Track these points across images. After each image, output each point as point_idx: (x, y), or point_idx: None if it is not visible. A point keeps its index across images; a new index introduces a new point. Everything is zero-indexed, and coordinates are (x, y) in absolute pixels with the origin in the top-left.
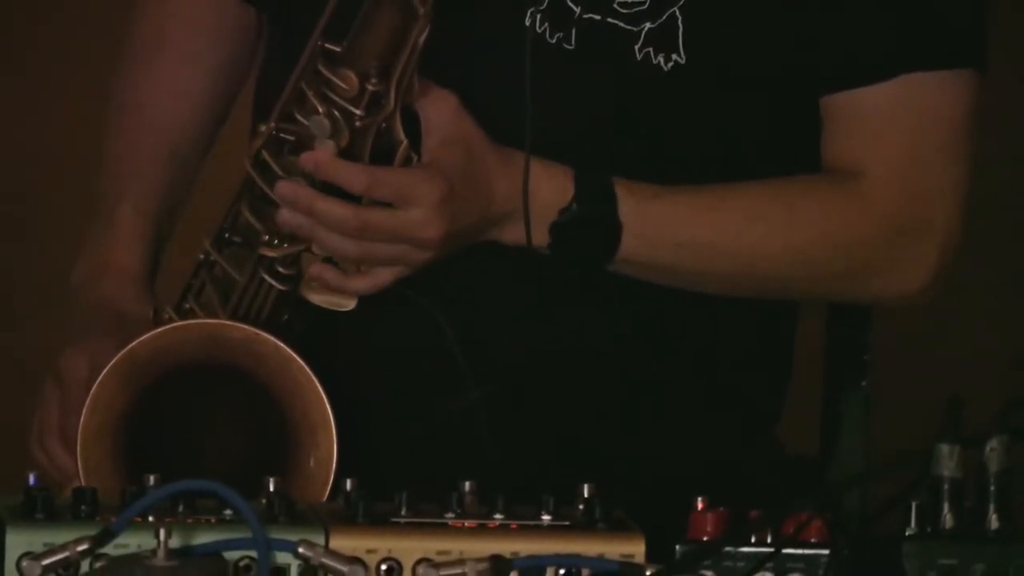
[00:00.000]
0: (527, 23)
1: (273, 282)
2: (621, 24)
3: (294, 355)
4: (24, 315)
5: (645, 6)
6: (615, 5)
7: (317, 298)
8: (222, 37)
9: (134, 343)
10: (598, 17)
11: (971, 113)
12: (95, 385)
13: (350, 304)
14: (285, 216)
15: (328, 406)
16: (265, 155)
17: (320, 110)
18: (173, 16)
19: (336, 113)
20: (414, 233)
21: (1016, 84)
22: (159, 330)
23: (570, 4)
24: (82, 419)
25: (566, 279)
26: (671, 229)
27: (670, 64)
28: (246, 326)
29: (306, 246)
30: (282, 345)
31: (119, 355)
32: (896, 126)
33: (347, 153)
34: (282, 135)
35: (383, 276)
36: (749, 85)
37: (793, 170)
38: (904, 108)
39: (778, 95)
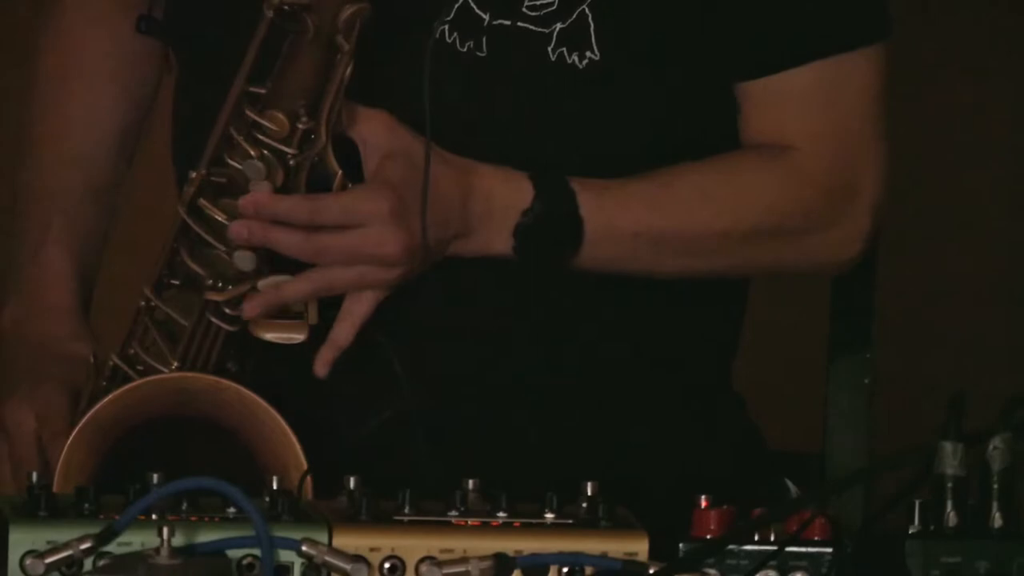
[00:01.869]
0: (436, 36)
1: (222, 324)
2: (532, 27)
3: (258, 398)
4: None
5: (554, 7)
6: (524, 9)
7: (268, 335)
8: (129, 65)
9: (98, 406)
10: (508, 22)
11: (884, 81)
12: (63, 452)
13: (301, 337)
14: (239, 229)
15: (297, 444)
16: (201, 201)
17: (252, 153)
18: (78, 49)
19: (269, 154)
20: (372, 251)
21: (1017, 82)
22: (121, 390)
23: (478, 12)
24: (55, 485)
25: (526, 290)
26: (627, 219)
27: (584, 62)
28: (207, 376)
29: (252, 285)
30: (245, 391)
31: (83, 420)
32: (816, 105)
33: (283, 191)
34: (214, 179)
35: (361, 312)
36: (664, 75)
37: (720, 150)
38: (821, 88)
39: (697, 84)
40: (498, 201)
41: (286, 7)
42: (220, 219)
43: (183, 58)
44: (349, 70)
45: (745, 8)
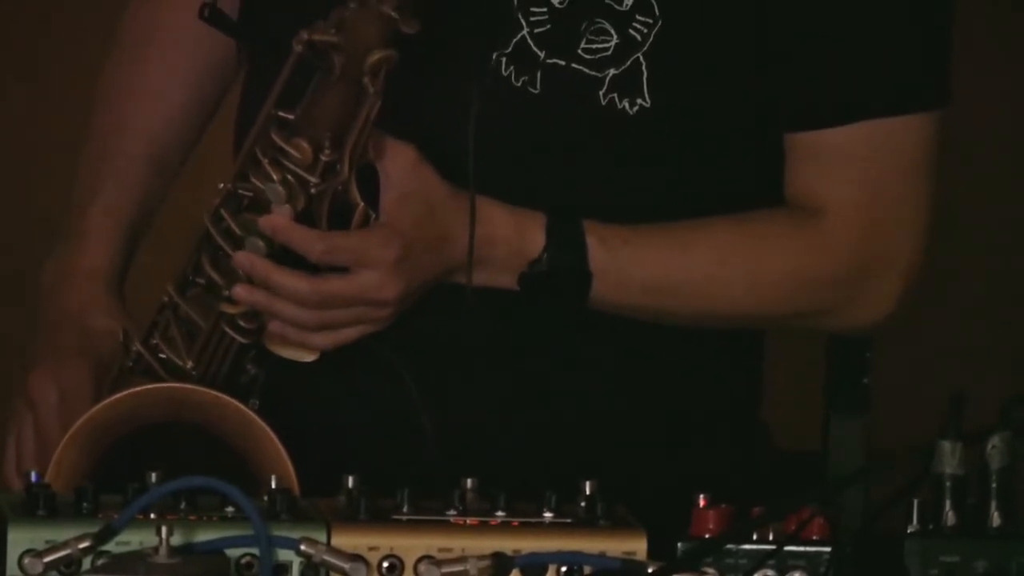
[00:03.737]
0: (492, 66)
1: (235, 335)
2: (585, 70)
3: (256, 418)
4: (26, 307)
5: (609, 52)
6: (579, 51)
7: (279, 350)
8: (209, 39)
9: (94, 409)
10: (563, 62)
11: (933, 149)
12: (58, 449)
13: (311, 356)
14: (241, 293)
15: (291, 467)
16: (224, 213)
17: (275, 177)
18: (161, 16)
19: (291, 179)
20: (370, 295)
21: (1017, 84)
22: (119, 396)
23: (535, 49)
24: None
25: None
26: (640, 273)
27: (635, 108)
28: (207, 389)
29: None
30: (243, 408)
31: (80, 420)
32: (858, 165)
33: (304, 216)
34: (241, 192)
35: (346, 335)
36: (715, 126)
37: (761, 204)
38: (866, 148)
39: (744, 134)
40: (504, 248)
41: (315, 43)
42: (238, 233)
43: (250, 55)
44: (375, 111)
45: (800, 64)
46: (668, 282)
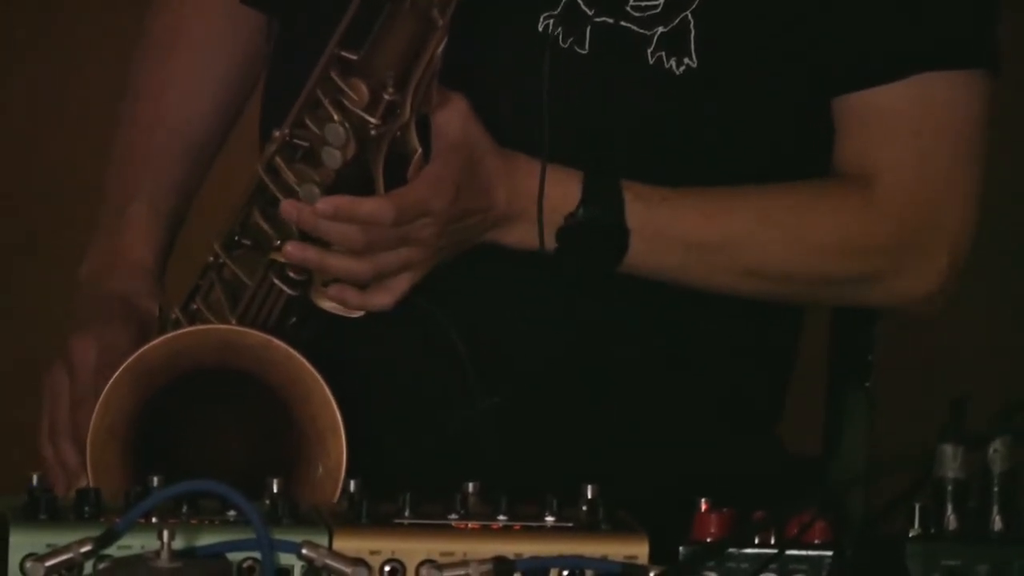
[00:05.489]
0: (540, 29)
1: (283, 287)
2: (634, 28)
3: (306, 362)
4: (27, 314)
5: (658, 10)
6: (628, 8)
7: (326, 304)
8: (237, 35)
9: (146, 346)
10: (611, 20)
11: (984, 114)
12: (107, 386)
13: (358, 312)
14: (292, 251)
15: (338, 414)
16: (278, 161)
17: (335, 117)
18: (189, 12)
19: (351, 121)
20: (412, 235)
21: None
22: (172, 334)
23: (584, 8)
24: (92, 420)
25: (568, 282)
26: (680, 232)
27: (682, 68)
28: (259, 332)
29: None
30: (294, 352)
31: (131, 357)
32: (909, 127)
33: (360, 163)
34: (296, 141)
35: (400, 286)
36: (762, 88)
37: (806, 173)
38: (917, 108)
39: (791, 97)
40: (544, 200)
41: None
42: (292, 182)
43: (284, 26)
44: (441, 47)
45: (852, 19)
46: (708, 242)
